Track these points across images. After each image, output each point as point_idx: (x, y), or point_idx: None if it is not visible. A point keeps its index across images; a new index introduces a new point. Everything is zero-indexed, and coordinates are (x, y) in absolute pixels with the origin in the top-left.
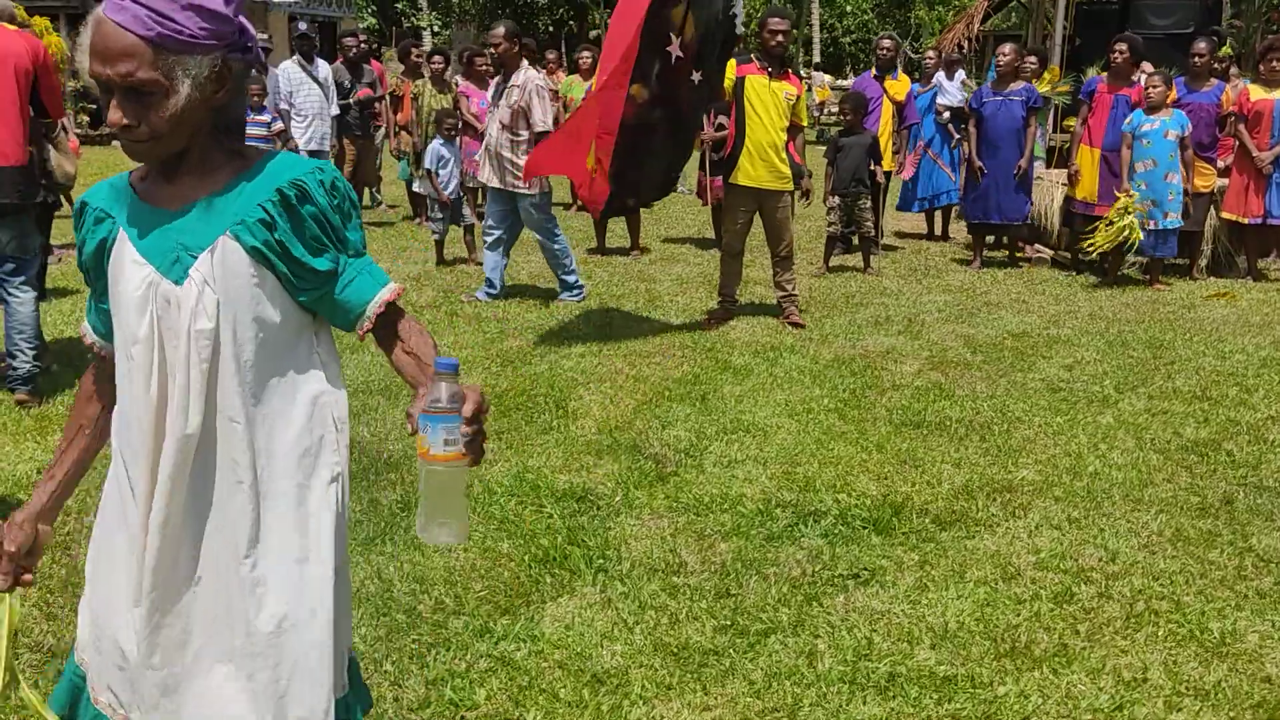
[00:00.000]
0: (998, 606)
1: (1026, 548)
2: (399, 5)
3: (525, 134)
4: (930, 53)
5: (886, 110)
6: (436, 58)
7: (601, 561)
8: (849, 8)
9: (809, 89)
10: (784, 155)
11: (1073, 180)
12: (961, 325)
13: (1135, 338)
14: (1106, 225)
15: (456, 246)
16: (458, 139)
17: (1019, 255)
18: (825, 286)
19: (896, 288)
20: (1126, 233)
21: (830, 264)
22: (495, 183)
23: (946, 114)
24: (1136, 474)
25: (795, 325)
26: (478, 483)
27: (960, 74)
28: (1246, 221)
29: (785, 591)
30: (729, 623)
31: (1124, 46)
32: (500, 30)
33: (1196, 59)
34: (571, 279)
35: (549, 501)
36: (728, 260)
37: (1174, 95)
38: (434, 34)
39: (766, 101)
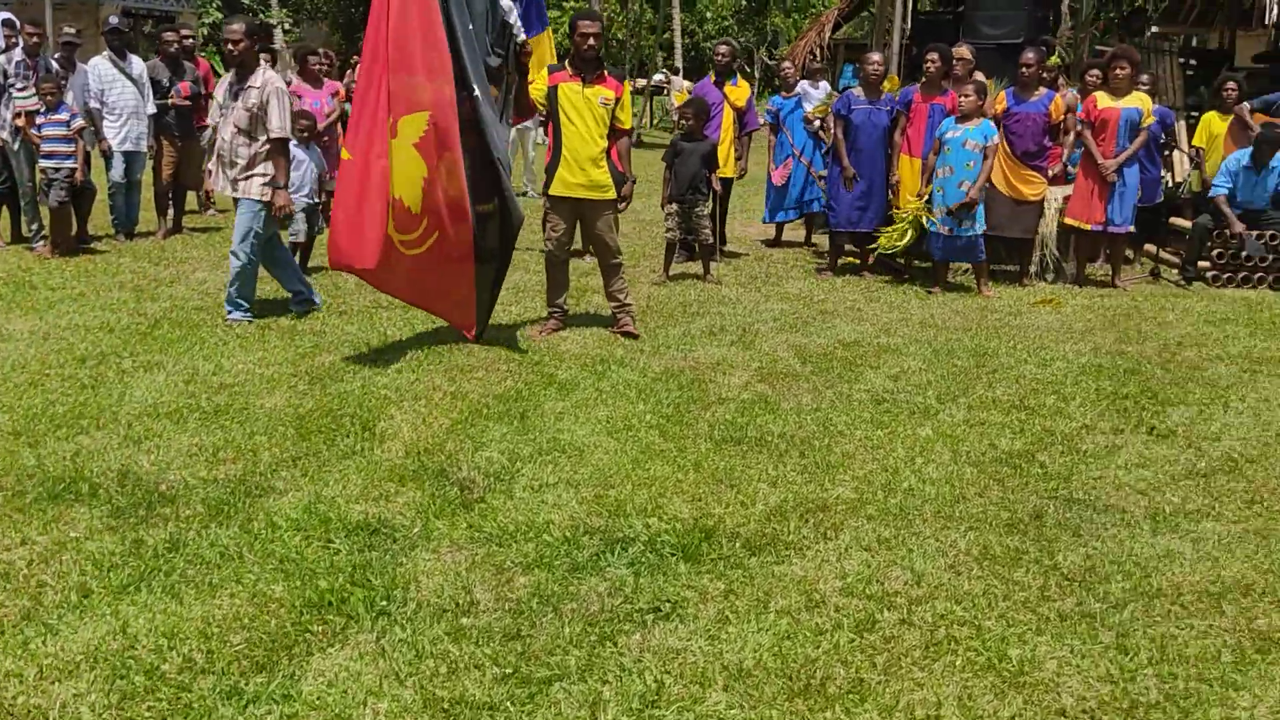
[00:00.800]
0: (798, 639)
1: (834, 572)
2: (246, 1)
3: (262, 137)
4: (786, 63)
5: (727, 116)
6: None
7: (385, 604)
8: (709, 13)
9: (667, 93)
10: (604, 164)
11: (895, 190)
12: (795, 335)
13: (961, 346)
14: (893, 229)
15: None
16: (316, 142)
17: (869, 264)
18: (664, 295)
19: (735, 296)
20: (905, 232)
21: (671, 272)
22: (228, 191)
23: (817, 122)
24: (949, 489)
25: (628, 335)
26: (260, 516)
27: (824, 83)
28: (1090, 228)
29: (579, 631)
30: (512, 670)
31: (934, 56)
32: (237, 27)
33: (1024, 69)
34: (246, 304)
35: (339, 535)
36: (552, 269)
37: (1003, 104)
38: (285, 32)
39: (581, 109)
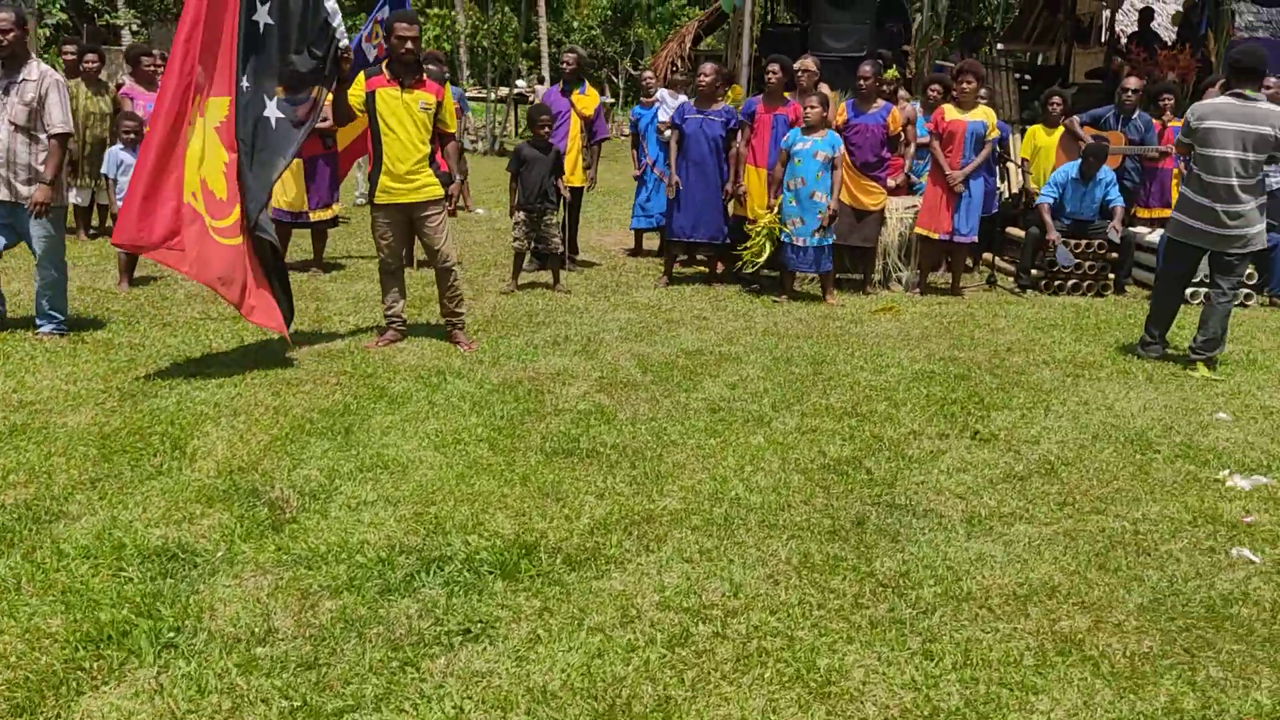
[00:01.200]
0: (608, 657)
1: (653, 585)
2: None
3: (43, 137)
4: (648, 73)
5: (575, 125)
6: (90, 56)
7: (172, 635)
8: (576, 24)
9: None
10: (427, 168)
11: (742, 200)
12: (639, 344)
13: (801, 354)
14: (748, 246)
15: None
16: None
17: (718, 274)
18: (510, 305)
19: (583, 305)
20: (764, 247)
21: (520, 281)
22: (4, 195)
23: (668, 131)
24: (776, 497)
25: (461, 346)
26: (47, 544)
27: (683, 95)
28: (937, 237)
29: (382, 657)
30: (301, 702)
31: (776, 68)
32: (6, 15)
33: (861, 81)
34: (59, 317)
35: (133, 563)
36: (385, 278)
37: (843, 116)
38: (133, 33)
39: (401, 115)
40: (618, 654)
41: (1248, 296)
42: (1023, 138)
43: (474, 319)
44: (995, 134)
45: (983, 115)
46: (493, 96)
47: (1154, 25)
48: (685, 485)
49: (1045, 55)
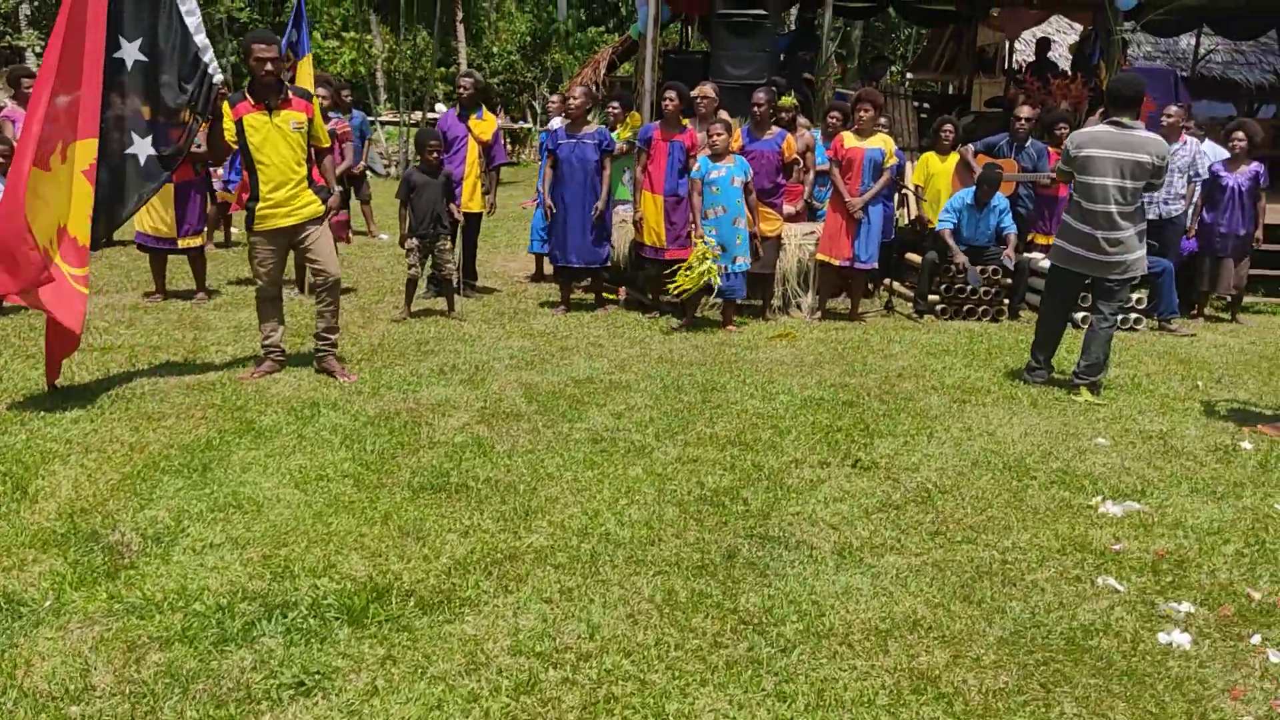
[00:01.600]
0: (447, 708)
1: (507, 628)
2: None
3: None
4: (554, 97)
5: (472, 150)
6: None
7: None
8: (495, 49)
9: None
10: (307, 188)
11: (638, 227)
12: (529, 372)
13: (692, 381)
14: (687, 270)
15: None
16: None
17: (608, 298)
18: (400, 332)
19: (476, 333)
20: (707, 277)
21: (415, 308)
22: None
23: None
24: (647, 532)
25: (329, 374)
26: None
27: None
28: (838, 263)
29: (202, 715)
30: None
31: (672, 94)
32: None
33: (756, 108)
34: None
35: None
36: (264, 306)
37: (739, 143)
38: (37, 55)
39: (273, 138)
40: (458, 705)
41: (1137, 320)
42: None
43: (361, 348)
44: (893, 161)
45: (880, 143)
46: (406, 121)
47: (1051, 55)
48: (555, 521)
49: (955, 84)
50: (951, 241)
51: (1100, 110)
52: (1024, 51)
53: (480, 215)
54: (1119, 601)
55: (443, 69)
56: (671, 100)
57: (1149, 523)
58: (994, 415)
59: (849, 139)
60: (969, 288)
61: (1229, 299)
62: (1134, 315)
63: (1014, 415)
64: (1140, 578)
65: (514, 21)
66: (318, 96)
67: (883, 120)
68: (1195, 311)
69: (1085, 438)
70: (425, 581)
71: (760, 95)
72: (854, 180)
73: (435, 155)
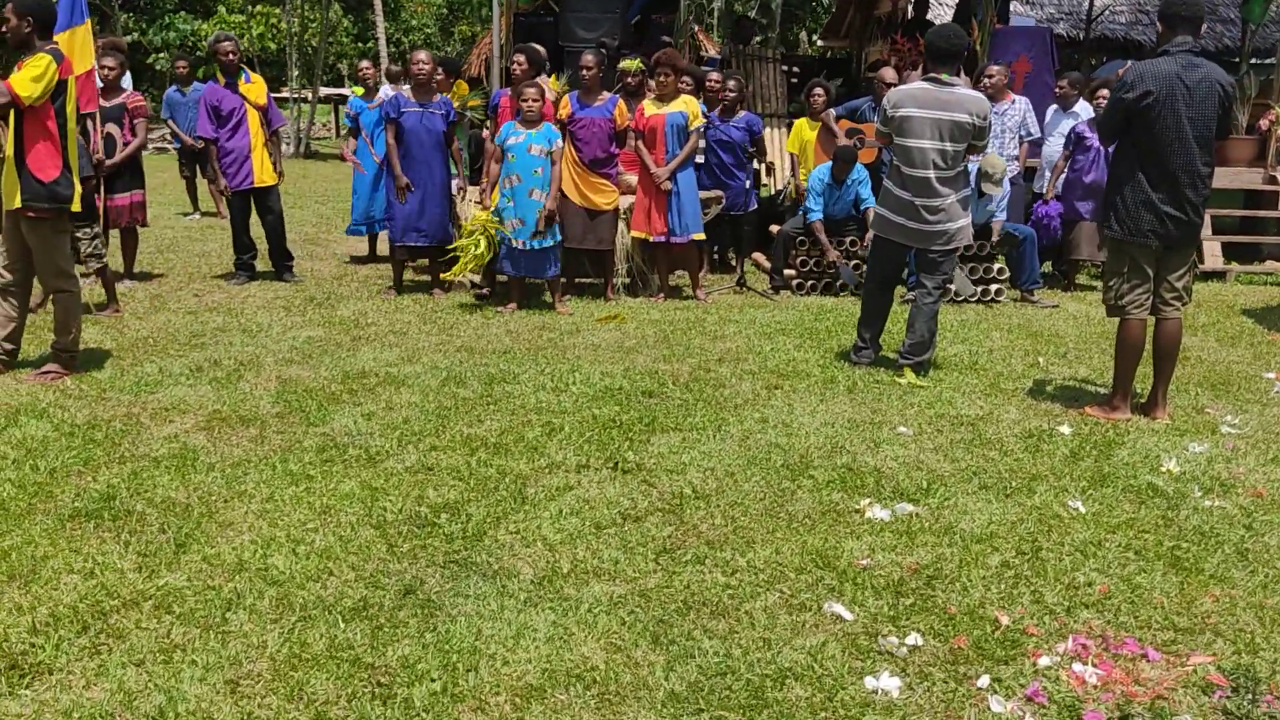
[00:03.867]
0: None
1: (68, 704)
2: None
3: None
4: (365, 62)
5: (253, 118)
6: None
7: None
8: (415, 22)
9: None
10: (13, 168)
11: (484, 200)
12: (300, 367)
13: (483, 372)
14: (462, 250)
15: None
16: None
17: (445, 278)
18: (181, 324)
19: (268, 323)
20: (477, 250)
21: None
22: None
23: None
24: (318, 564)
25: (47, 378)
26: None
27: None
28: (653, 239)
29: None
30: None
31: (521, 58)
32: None
33: (584, 72)
34: None
35: None
36: None
37: (568, 110)
38: None
39: None
40: None
41: (998, 292)
42: (789, 132)
43: (125, 339)
44: (698, 122)
45: (682, 106)
46: (311, 97)
47: (932, 16)
48: (210, 554)
49: (868, 50)
50: (824, 237)
51: (920, 66)
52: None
53: (276, 187)
54: (839, 634)
55: (359, 44)
56: (520, 64)
57: (915, 529)
58: (801, 403)
59: (649, 106)
60: (839, 283)
61: (1100, 265)
62: (995, 286)
63: (823, 402)
64: (878, 601)
65: None
66: (103, 67)
67: (731, 85)
68: (1068, 280)
69: (889, 426)
70: (4, 642)
71: (589, 58)
72: (659, 149)
73: None
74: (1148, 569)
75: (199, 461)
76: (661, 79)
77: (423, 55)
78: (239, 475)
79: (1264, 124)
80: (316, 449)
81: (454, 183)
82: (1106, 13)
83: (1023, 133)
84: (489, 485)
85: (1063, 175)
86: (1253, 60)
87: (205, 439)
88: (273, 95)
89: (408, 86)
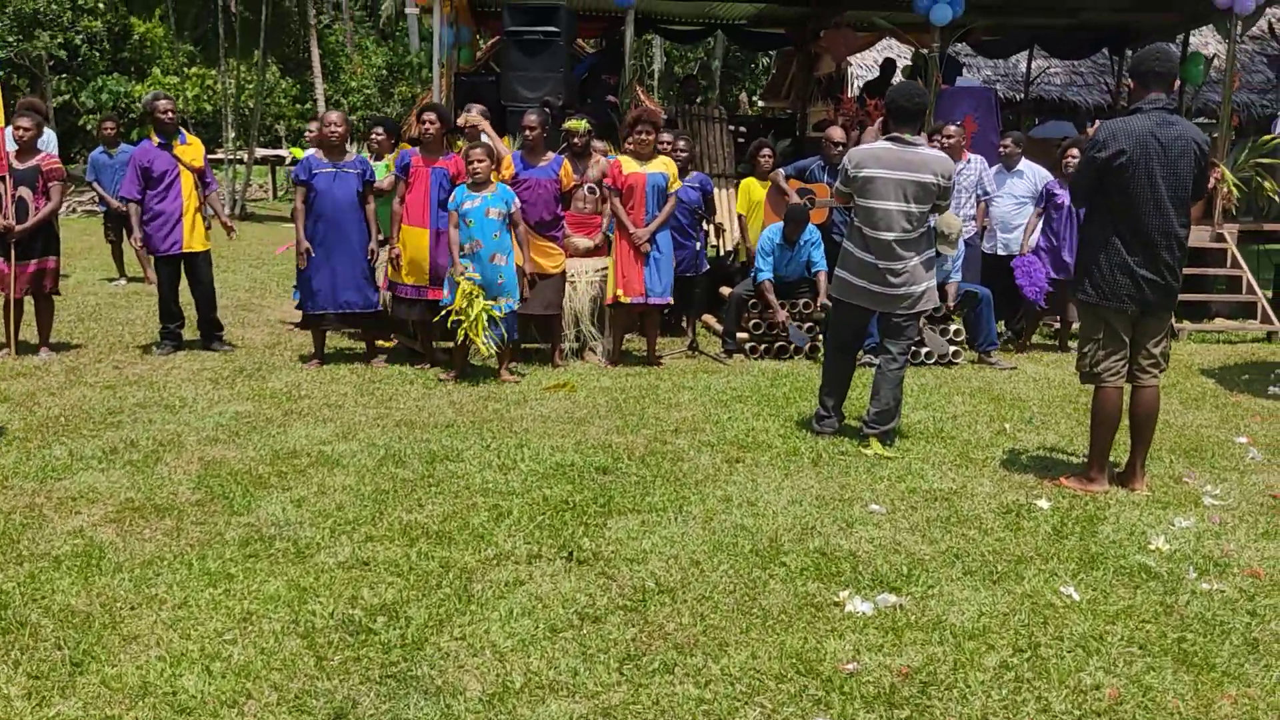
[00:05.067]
0: None
1: None
2: None
3: None
4: (312, 125)
5: (186, 180)
6: None
7: None
8: (354, 84)
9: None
10: None
11: (396, 265)
12: (225, 447)
13: (424, 450)
14: (460, 317)
15: None
16: None
17: (383, 346)
18: (99, 399)
19: (194, 396)
20: (484, 317)
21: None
22: None
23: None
24: (236, 685)
25: None
26: None
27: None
28: (630, 300)
29: None
30: None
31: (432, 116)
32: None
33: (528, 132)
34: None
35: None
36: None
37: (511, 170)
38: None
39: None
40: None
41: (955, 354)
42: (737, 191)
43: (35, 419)
44: (677, 185)
45: (662, 167)
46: (247, 159)
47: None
48: (111, 675)
49: (810, 110)
50: (771, 297)
51: (879, 122)
52: (867, 76)
53: (209, 254)
54: None
55: (299, 106)
56: (431, 123)
57: (902, 624)
58: (765, 478)
59: (628, 164)
60: (792, 345)
61: (1056, 327)
62: (953, 349)
63: (788, 477)
64: (870, 714)
65: (371, 56)
66: (19, 128)
67: (665, 142)
68: (1022, 341)
69: (861, 503)
70: None
71: (532, 118)
72: (637, 209)
73: None
74: (1156, 666)
75: (105, 561)
76: (642, 137)
77: (334, 116)
78: (149, 576)
79: (1209, 182)
80: (239, 542)
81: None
82: (1043, 75)
83: (979, 192)
84: (431, 581)
85: (1036, 233)
86: (1198, 121)
87: (114, 533)
88: (208, 157)
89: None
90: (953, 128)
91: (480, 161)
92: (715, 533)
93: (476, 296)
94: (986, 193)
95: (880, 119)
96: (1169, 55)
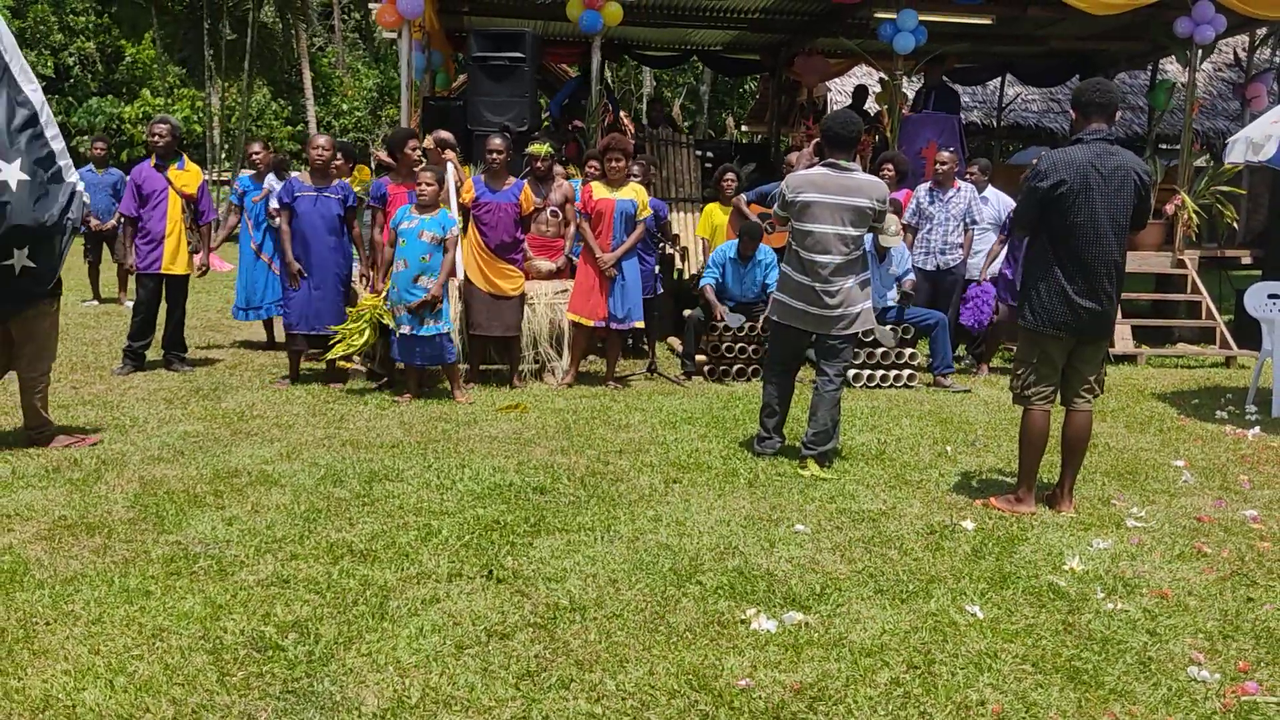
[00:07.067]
0: None
1: None
2: None
3: None
4: (255, 145)
5: (174, 204)
6: None
7: None
8: (345, 105)
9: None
10: None
11: (375, 285)
12: (167, 466)
13: (364, 469)
14: (343, 331)
15: None
16: None
17: (345, 368)
18: (55, 417)
19: (144, 416)
20: (363, 333)
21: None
22: None
23: (278, 220)
24: (131, 702)
25: None
26: None
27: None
28: (592, 324)
29: None
30: None
31: (412, 143)
32: None
33: (493, 155)
34: None
35: None
36: None
37: (471, 194)
38: None
39: None
40: None
41: (910, 377)
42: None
43: None
44: (646, 213)
45: (632, 193)
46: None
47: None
48: (15, 687)
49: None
50: (712, 298)
51: (814, 144)
52: (848, 102)
53: (187, 278)
54: None
55: (290, 128)
56: (414, 149)
57: (803, 641)
58: (698, 498)
59: (598, 189)
60: (737, 348)
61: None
62: (908, 372)
63: (721, 497)
64: None
65: (363, 78)
66: None
67: (637, 169)
68: (981, 366)
69: (788, 523)
70: None
71: (495, 142)
72: (605, 234)
73: None
74: (1044, 683)
75: (29, 577)
76: (613, 164)
77: (321, 140)
78: (69, 593)
79: (1170, 208)
80: (164, 560)
81: (355, 268)
82: (1018, 101)
83: (968, 219)
84: (347, 599)
85: (998, 260)
86: (1161, 146)
87: (43, 550)
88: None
89: (296, 173)
90: (946, 154)
91: (429, 186)
92: (638, 552)
93: (368, 316)
94: (975, 221)
95: (815, 142)
96: (1108, 87)
